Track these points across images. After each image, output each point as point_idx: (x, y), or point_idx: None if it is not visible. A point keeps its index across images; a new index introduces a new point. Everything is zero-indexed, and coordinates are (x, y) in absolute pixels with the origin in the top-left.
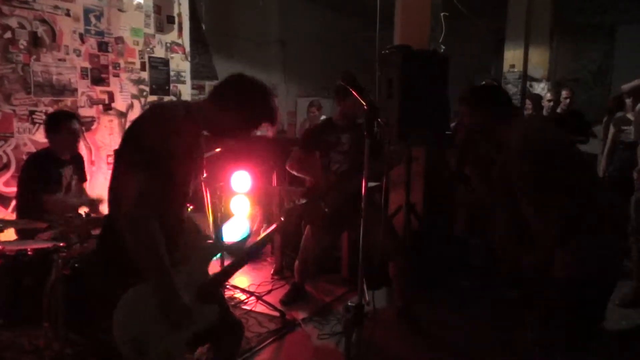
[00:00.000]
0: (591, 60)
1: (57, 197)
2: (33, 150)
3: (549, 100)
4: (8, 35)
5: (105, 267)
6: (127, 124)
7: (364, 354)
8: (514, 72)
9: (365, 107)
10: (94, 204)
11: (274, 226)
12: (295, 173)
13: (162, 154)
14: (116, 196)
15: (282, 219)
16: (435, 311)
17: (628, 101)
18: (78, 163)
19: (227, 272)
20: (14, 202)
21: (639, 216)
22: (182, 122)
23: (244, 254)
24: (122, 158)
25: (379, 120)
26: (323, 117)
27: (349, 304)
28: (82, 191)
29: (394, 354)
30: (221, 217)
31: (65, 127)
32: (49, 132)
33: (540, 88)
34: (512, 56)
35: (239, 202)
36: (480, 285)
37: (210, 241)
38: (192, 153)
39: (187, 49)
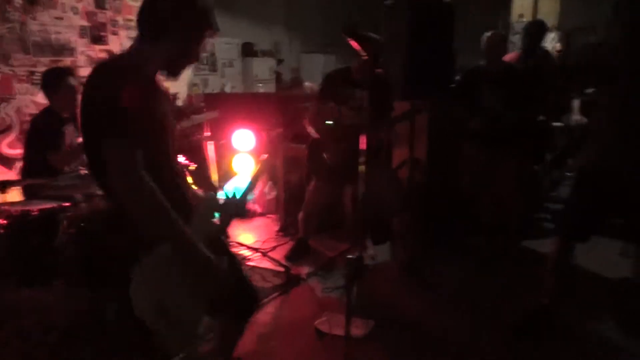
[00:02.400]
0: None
1: (60, 152)
2: (35, 112)
3: (559, 51)
4: None
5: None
6: None
7: (366, 307)
8: (523, 22)
9: (365, 56)
10: None
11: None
12: (312, 131)
13: (123, 114)
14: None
15: (266, 156)
16: (439, 266)
17: None
18: (76, 118)
19: (224, 221)
20: (18, 164)
21: None
22: (130, 77)
23: (232, 202)
24: (91, 134)
25: (378, 71)
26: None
27: (349, 256)
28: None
29: (395, 308)
30: (225, 175)
31: (62, 83)
32: (47, 91)
33: (551, 38)
34: (520, 5)
35: (242, 161)
36: (487, 240)
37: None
38: (153, 105)
39: None
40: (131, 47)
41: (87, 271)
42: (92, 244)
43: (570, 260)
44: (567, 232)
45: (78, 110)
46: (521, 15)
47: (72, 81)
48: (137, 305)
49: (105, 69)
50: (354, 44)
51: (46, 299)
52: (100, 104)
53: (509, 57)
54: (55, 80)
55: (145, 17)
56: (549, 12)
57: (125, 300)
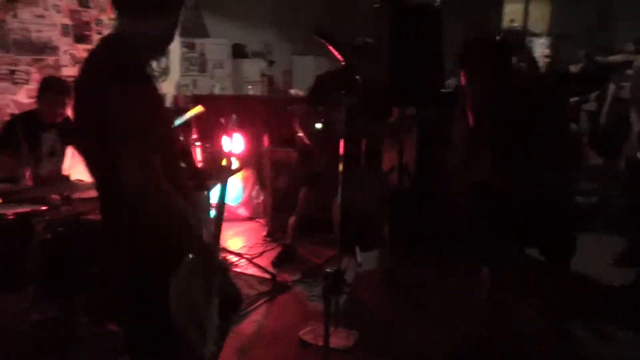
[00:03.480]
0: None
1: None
2: (16, 111)
3: (546, 57)
4: None
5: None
6: None
7: (351, 316)
8: (515, 27)
9: (341, 62)
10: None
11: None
12: (301, 134)
13: (137, 122)
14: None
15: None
16: (427, 273)
17: None
18: (65, 125)
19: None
20: None
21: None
22: (131, 72)
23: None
24: (93, 140)
25: (357, 77)
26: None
27: (327, 270)
28: (63, 156)
29: (380, 318)
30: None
31: (46, 96)
32: (37, 95)
33: (540, 43)
34: (511, 10)
35: (229, 163)
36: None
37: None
38: (154, 104)
39: None
40: (113, 35)
41: (61, 277)
42: (70, 248)
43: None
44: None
45: (67, 115)
46: (512, 21)
47: (55, 99)
48: (176, 315)
49: (100, 69)
50: (328, 47)
51: (13, 306)
52: (107, 112)
53: None
54: (41, 90)
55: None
56: (539, 18)
57: (100, 307)
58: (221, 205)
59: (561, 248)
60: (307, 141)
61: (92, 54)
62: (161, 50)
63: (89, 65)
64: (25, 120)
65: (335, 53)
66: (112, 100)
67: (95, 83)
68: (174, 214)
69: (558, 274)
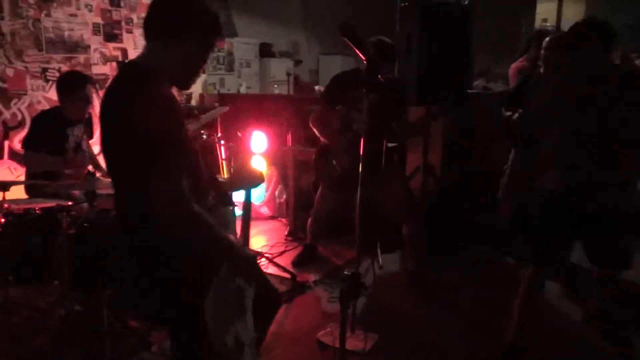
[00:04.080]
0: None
1: (57, 161)
2: (47, 107)
3: None
4: None
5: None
6: None
7: (371, 319)
8: (547, 27)
9: (364, 61)
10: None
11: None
12: (316, 132)
13: (166, 142)
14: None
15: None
16: (448, 275)
17: None
18: (88, 120)
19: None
20: None
21: None
22: (155, 93)
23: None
24: (123, 158)
25: (379, 77)
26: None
27: (345, 272)
28: (89, 148)
29: (400, 320)
30: (236, 177)
31: (78, 90)
32: (61, 92)
33: None
34: (545, 9)
35: (254, 163)
36: (500, 249)
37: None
38: (179, 123)
39: None
40: (144, 55)
41: (86, 273)
42: (95, 244)
43: (540, 295)
44: (538, 261)
45: (92, 116)
46: (545, 20)
47: (88, 91)
48: (211, 330)
49: (127, 90)
50: (351, 45)
51: (40, 300)
52: (135, 132)
53: (518, 65)
54: (72, 85)
55: (153, 23)
56: (573, 17)
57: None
58: (247, 210)
59: (618, 258)
60: (324, 140)
61: (119, 76)
62: (184, 79)
63: (116, 87)
64: (52, 117)
65: (358, 52)
66: (137, 122)
67: (119, 105)
68: (204, 233)
69: (606, 283)
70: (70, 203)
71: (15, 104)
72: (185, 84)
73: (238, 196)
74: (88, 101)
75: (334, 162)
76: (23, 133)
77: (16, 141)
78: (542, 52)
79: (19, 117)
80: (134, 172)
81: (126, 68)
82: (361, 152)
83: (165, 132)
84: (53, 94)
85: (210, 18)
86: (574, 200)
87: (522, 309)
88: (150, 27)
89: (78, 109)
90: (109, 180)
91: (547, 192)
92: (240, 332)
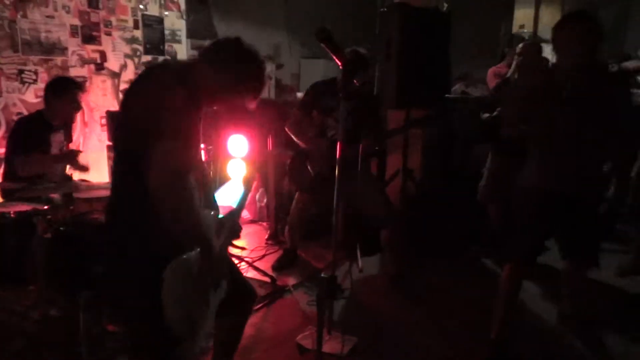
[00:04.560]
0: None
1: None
2: (23, 110)
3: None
4: None
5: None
6: (121, 85)
7: (351, 321)
8: (524, 33)
9: (340, 65)
10: (71, 155)
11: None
12: (292, 136)
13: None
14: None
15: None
16: (430, 278)
17: None
18: (67, 126)
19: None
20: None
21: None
22: (179, 95)
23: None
24: (135, 135)
25: (355, 81)
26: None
27: (322, 275)
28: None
29: (380, 323)
30: (217, 181)
31: (68, 96)
32: (51, 96)
33: (550, 49)
34: (522, 15)
35: (235, 166)
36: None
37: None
38: (194, 126)
39: (183, 6)
40: (188, 61)
41: (62, 276)
42: (72, 248)
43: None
44: (521, 256)
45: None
46: (522, 26)
47: (79, 97)
48: (168, 313)
49: (156, 85)
50: (328, 50)
51: (16, 303)
52: (158, 108)
53: (496, 69)
54: (63, 89)
55: (217, 49)
56: (550, 23)
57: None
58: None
59: (590, 252)
60: (302, 145)
61: (159, 73)
62: (206, 99)
63: (154, 71)
64: (34, 122)
65: (334, 57)
66: (158, 104)
67: (153, 92)
68: (186, 210)
69: (577, 277)
70: (46, 207)
71: None
72: (200, 103)
73: (222, 200)
74: (78, 107)
75: (309, 166)
76: None
77: None
78: (516, 57)
79: None
80: (141, 152)
81: (163, 66)
82: (337, 157)
83: (178, 120)
84: (29, 96)
85: (257, 62)
86: (555, 195)
87: (505, 307)
88: (211, 47)
89: (65, 113)
90: (87, 183)
91: (527, 188)
92: (197, 319)
